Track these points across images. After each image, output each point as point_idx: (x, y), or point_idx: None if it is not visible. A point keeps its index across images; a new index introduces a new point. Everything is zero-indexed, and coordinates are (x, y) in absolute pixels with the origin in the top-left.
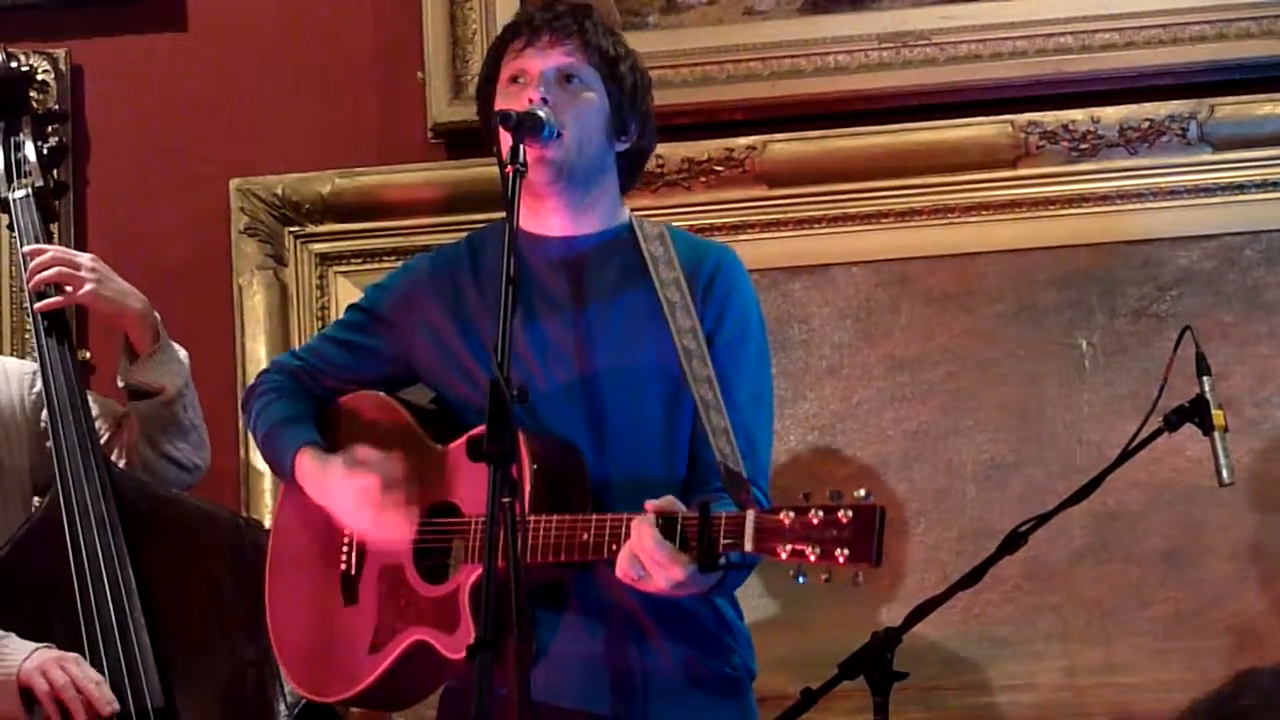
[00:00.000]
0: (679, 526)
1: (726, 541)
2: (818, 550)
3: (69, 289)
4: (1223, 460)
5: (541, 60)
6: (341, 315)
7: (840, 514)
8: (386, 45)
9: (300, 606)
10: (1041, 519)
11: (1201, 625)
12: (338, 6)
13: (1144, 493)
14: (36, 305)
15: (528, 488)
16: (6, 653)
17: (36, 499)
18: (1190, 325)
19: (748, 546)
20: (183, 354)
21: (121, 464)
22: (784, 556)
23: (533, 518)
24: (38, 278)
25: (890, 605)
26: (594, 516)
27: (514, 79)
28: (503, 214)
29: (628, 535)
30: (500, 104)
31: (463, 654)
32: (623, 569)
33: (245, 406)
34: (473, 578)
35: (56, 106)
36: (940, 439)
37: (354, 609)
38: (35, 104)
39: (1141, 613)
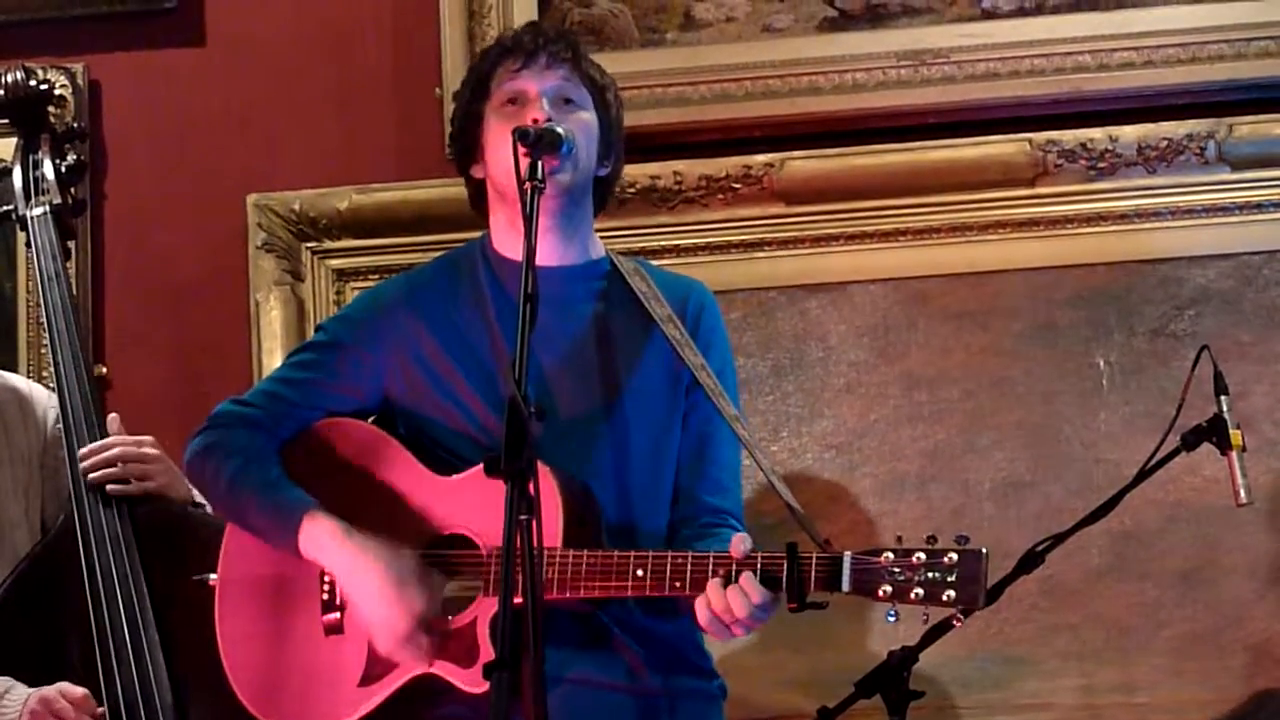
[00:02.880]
0: (758, 567)
1: (820, 582)
2: (921, 592)
3: (135, 482)
4: (1240, 480)
5: (540, 81)
6: (291, 355)
7: (945, 558)
8: (404, 61)
9: (265, 636)
10: (1059, 538)
11: (1219, 645)
12: (356, 23)
13: (1161, 512)
14: (110, 488)
15: (560, 523)
16: (6, 708)
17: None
18: (1208, 344)
19: (845, 588)
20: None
21: None
22: (882, 597)
23: (573, 553)
24: (107, 472)
25: (906, 624)
26: (649, 554)
27: (511, 100)
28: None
29: (694, 574)
30: (499, 124)
31: (485, 686)
32: (703, 623)
33: (203, 464)
34: (493, 610)
35: (75, 123)
36: (957, 457)
37: (338, 640)
38: (53, 120)
39: (1159, 632)
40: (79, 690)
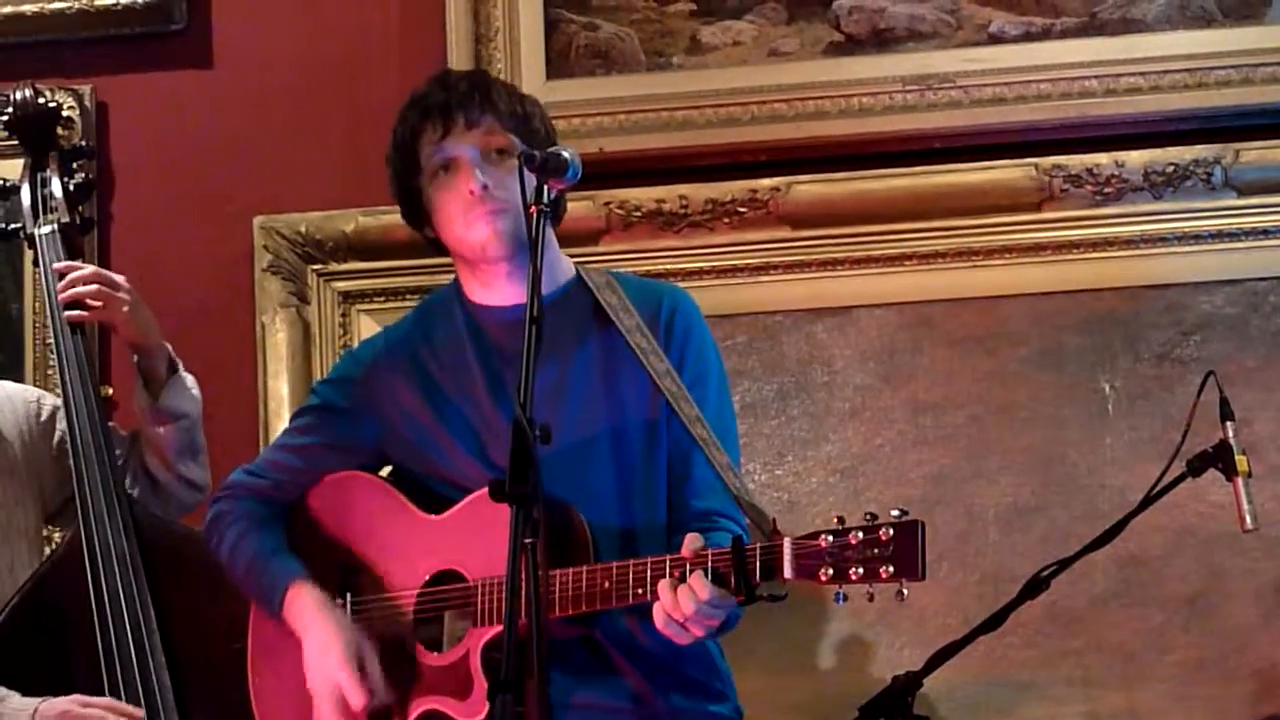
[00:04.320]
0: (709, 565)
1: (764, 572)
2: (860, 570)
3: (100, 305)
4: (1246, 506)
5: (465, 145)
6: (291, 420)
7: (881, 532)
8: (411, 85)
9: (293, 693)
10: (1064, 563)
11: (1224, 671)
12: (363, 45)
13: (1167, 538)
14: (68, 314)
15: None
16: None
17: (50, 526)
18: (1214, 370)
19: (787, 574)
20: (190, 379)
21: (137, 490)
22: (824, 579)
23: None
24: (75, 291)
25: (911, 649)
26: (613, 565)
27: (444, 168)
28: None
29: (653, 578)
30: (439, 194)
31: (482, 714)
32: (659, 623)
33: (210, 534)
34: (484, 639)
35: (83, 143)
36: (963, 482)
37: None
38: (61, 140)
39: (1164, 658)
40: (105, 700)
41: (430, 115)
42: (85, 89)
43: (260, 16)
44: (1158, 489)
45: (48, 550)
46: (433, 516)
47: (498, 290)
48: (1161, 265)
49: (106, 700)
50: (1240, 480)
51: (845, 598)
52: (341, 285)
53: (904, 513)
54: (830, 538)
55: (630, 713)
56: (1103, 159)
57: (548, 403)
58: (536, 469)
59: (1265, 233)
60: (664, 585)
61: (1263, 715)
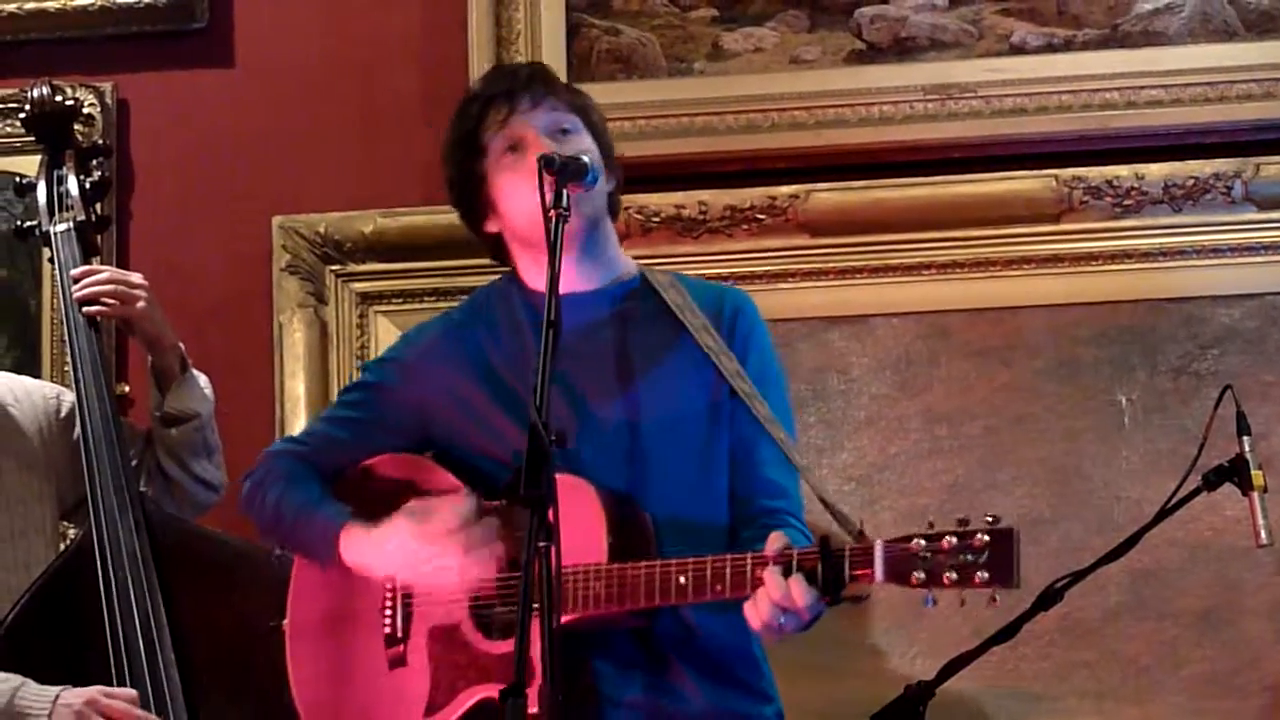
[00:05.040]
0: (794, 563)
1: (855, 573)
2: (954, 574)
3: (116, 303)
4: (1261, 521)
5: (533, 122)
6: (340, 395)
7: (975, 538)
8: (432, 86)
9: (333, 674)
10: (1078, 575)
11: (1237, 685)
12: (384, 46)
13: (1181, 551)
14: (85, 309)
15: (605, 538)
16: (27, 705)
17: (65, 523)
18: (1231, 384)
19: (879, 576)
20: (203, 379)
21: (152, 488)
22: (916, 583)
23: (617, 566)
24: (90, 292)
25: (923, 659)
26: (689, 560)
27: (512, 148)
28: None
29: (733, 575)
30: (507, 176)
31: (538, 708)
32: (764, 618)
33: (252, 497)
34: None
35: (101, 141)
36: (978, 493)
37: (402, 672)
38: (80, 137)
39: (1177, 672)
40: (128, 691)
41: (494, 102)
42: (106, 86)
43: (282, 16)
44: (1173, 502)
45: (63, 547)
46: (489, 503)
47: (560, 276)
48: (1180, 278)
49: (129, 692)
50: (1256, 495)
51: (935, 601)
52: (360, 286)
53: (997, 519)
54: (922, 541)
55: (680, 713)
56: (1122, 171)
57: (613, 398)
58: (551, 471)
59: None
60: (773, 573)
61: None
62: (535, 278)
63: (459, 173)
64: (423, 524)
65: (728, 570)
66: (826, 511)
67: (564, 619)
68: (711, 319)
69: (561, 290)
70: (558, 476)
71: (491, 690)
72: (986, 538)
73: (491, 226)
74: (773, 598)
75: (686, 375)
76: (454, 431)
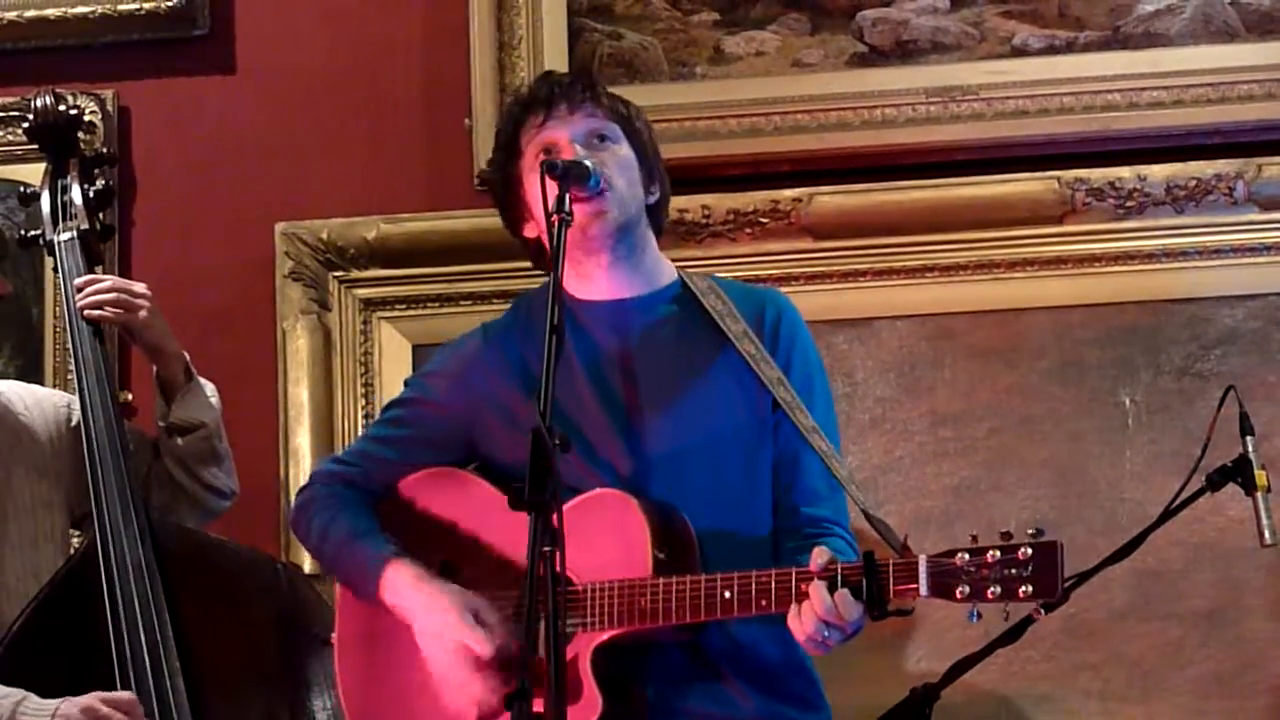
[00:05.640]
0: (839, 577)
1: (900, 588)
2: (998, 589)
3: (120, 311)
4: (1265, 521)
5: (568, 128)
6: (383, 412)
7: (1019, 552)
8: (434, 92)
9: (381, 685)
10: (1082, 576)
11: (1242, 686)
12: (386, 52)
13: (1185, 552)
14: (87, 314)
15: (649, 552)
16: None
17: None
18: (1234, 385)
19: (923, 591)
20: (210, 387)
21: (163, 495)
22: (960, 597)
23: (662, 580)
24: (93, 300)
25: (929, 660)
26: (734, 575)
27: (545, 152)
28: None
29: (779, 590)
30: (536, 180)
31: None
32: (808, 631)
33: (298, 521)
34: (595, 643)
35: (104, 149)
36: (982, 495)
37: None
38: (83, 146)
39: (1182, 672)
40: (127, 696)
41: (533, 105)
42: (108, 94)
43: (283, 23)
44: (1177, 503)
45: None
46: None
47: (596, 284)
48: (1183, 279)
49: (129, 696)
50: (1259, 495)
51: (979, 615)
52: (363, 292)
53: (1040, 532)
54: (966, 556)
55: (694, 716)
56: (1125, 172)
57: (656, 412)
58: (555, 477)
59: None
60: (818, 588)
61: None
62: (575, 284)
63: (499, 176)
64: (463, 626)
65: (773, 585)
66: (869, 525)
67: (610, 633)
68: (752, 324)
69: (598, 298)
70: (602, 492)
71: (534, 704)
72: (1030, 551)
73: (529, 231)
74: (818, 612)
75: (730, 389)
76: (496, 442)
